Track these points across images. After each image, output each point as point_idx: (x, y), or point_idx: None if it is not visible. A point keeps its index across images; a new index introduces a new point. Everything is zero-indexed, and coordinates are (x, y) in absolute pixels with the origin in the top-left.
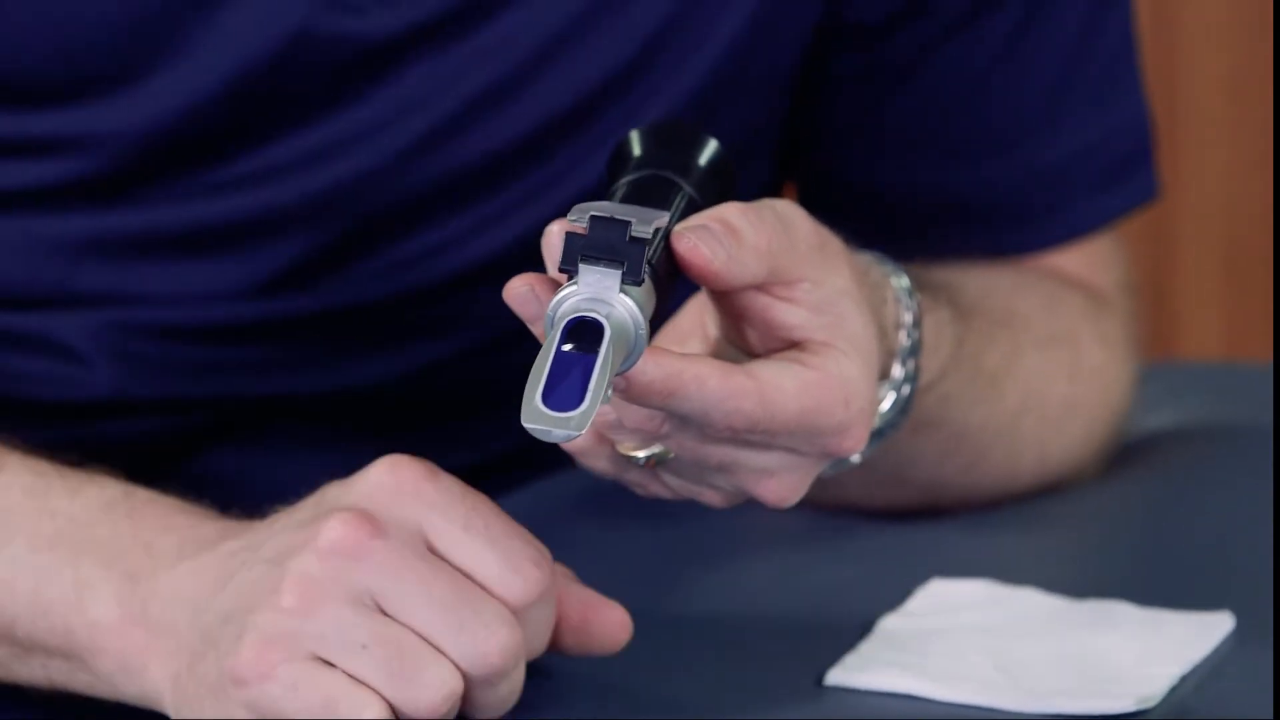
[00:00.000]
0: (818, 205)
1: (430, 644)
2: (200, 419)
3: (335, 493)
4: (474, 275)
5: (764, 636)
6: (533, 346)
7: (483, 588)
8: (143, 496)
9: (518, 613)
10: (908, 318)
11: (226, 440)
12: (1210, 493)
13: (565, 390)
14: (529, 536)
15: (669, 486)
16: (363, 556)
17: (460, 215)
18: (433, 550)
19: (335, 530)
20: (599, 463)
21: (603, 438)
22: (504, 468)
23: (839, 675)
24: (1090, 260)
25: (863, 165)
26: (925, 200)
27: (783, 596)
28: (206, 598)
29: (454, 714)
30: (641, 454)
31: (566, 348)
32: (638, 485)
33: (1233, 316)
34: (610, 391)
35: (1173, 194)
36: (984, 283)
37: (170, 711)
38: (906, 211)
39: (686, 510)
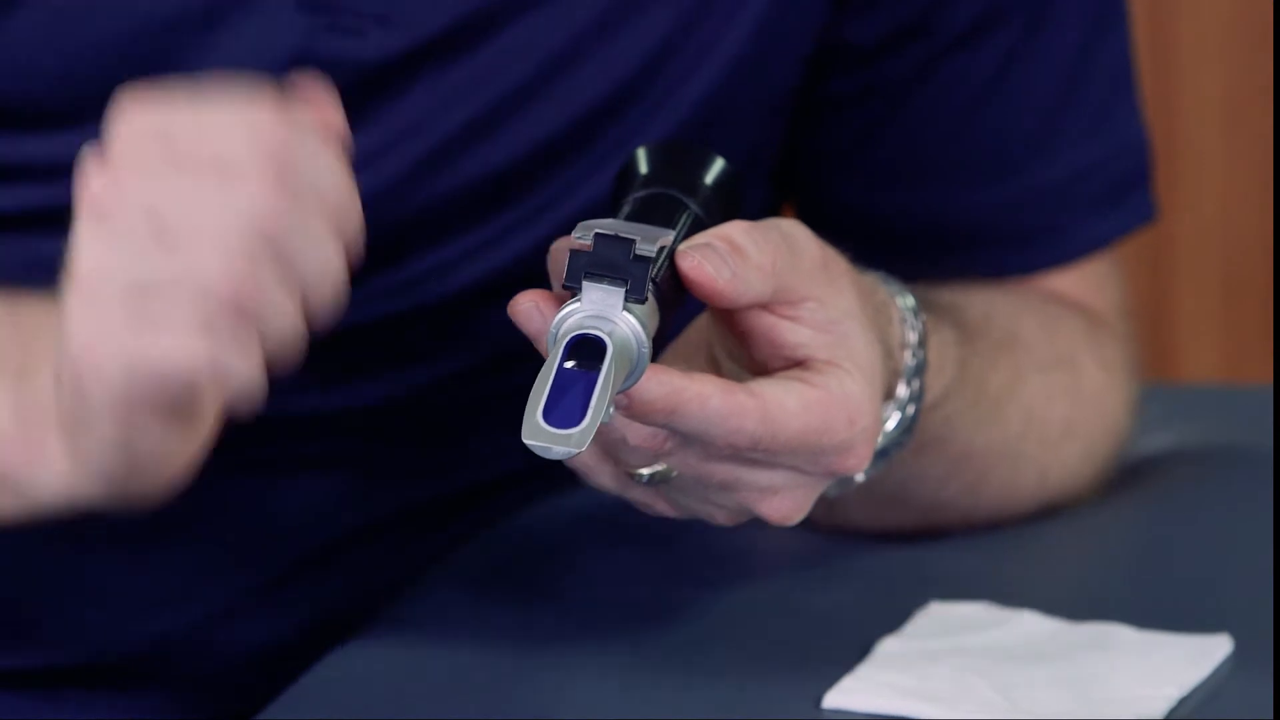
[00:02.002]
0: (815, 226)
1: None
2: None
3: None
4: (475, 295)
5: (762, 658)
6: (534, 365)
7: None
8: (25, 303)
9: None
10: (913, 337)
11: (227, 460)
12: (1209, 515)
13: (566, 407)
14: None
15: (673, 504)
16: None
17: (460, 237)
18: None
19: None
20: (603, 480)
21: (606, 455)
22: (505, 487)
23: (837, 698)
24: (1088, 282)
25: (860, 186)
26: (923, 221)
27: (781, 618)
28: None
29: None
30: (645, 472)
31: (569, 365)
32: (641, 503)
33: (1231, 338)
34: (612, 410)
35: (1170, 216)
36: (985, 305)
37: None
38: (904, 232)
39: (686, 531)
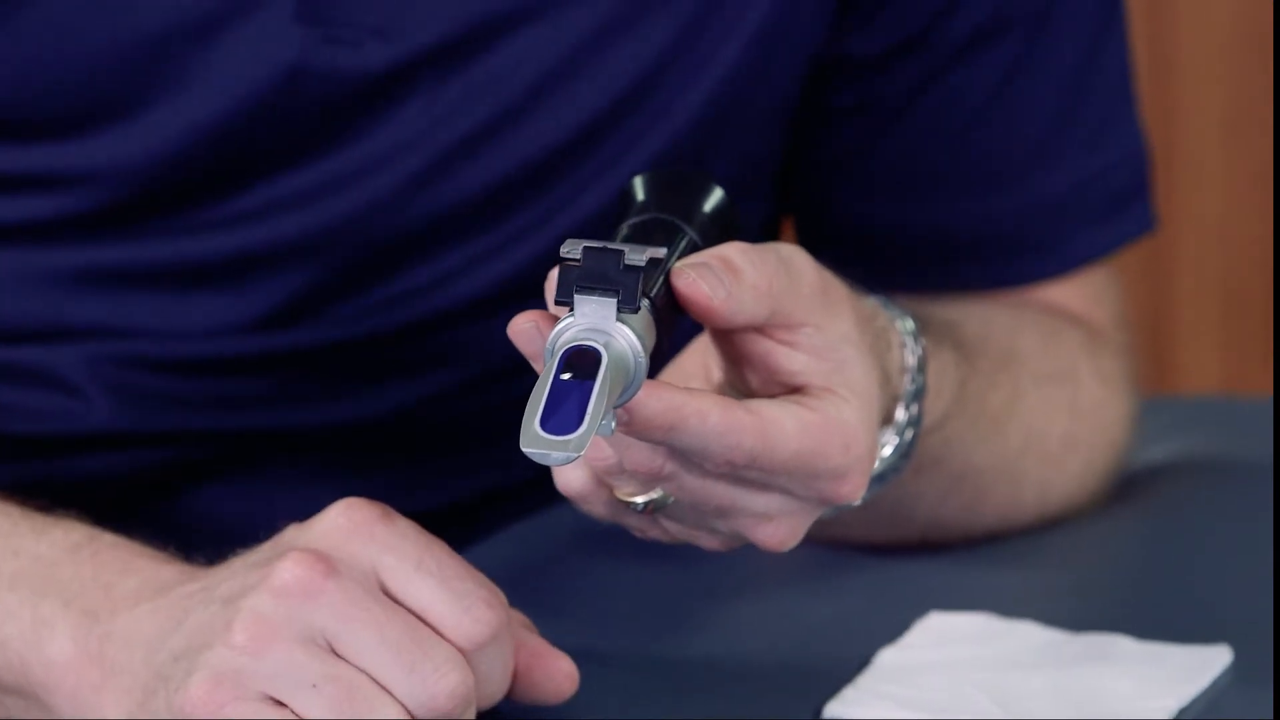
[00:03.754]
0: (815, 239)
1: (380, 685)
2: (196, 452)
3: (292, 534)
4: (472, 309)
5: (762, 670)
6: (530, 379)
7: (434, 629)
8: (108, 540)
9: (469, 654)
10: (912, 361)
11: (223, 473)
12: (1209, 526)
13: (563, 416)
14: (483, 579)
15: (667, 531)
16: (315, 596)
17: (457, 250)
18: (386, 591)
19: (289, 570)
20: (597, 508)
21: (601, 482)
22: (501, 501)
23: (837, 709)
24: (1087, 294)
25: (860, 197)
26: (922, 232)
27: (781, 630)
28: (161, 638)
29: None
30: (640, 500)
31: (565, 376)
32: (636, 530)
33: (1231, 350)
34: (613, 423)
35: (1170, 227)
36: (984, 322)
37: None
38: (903, 243)
39: (684, 545)
